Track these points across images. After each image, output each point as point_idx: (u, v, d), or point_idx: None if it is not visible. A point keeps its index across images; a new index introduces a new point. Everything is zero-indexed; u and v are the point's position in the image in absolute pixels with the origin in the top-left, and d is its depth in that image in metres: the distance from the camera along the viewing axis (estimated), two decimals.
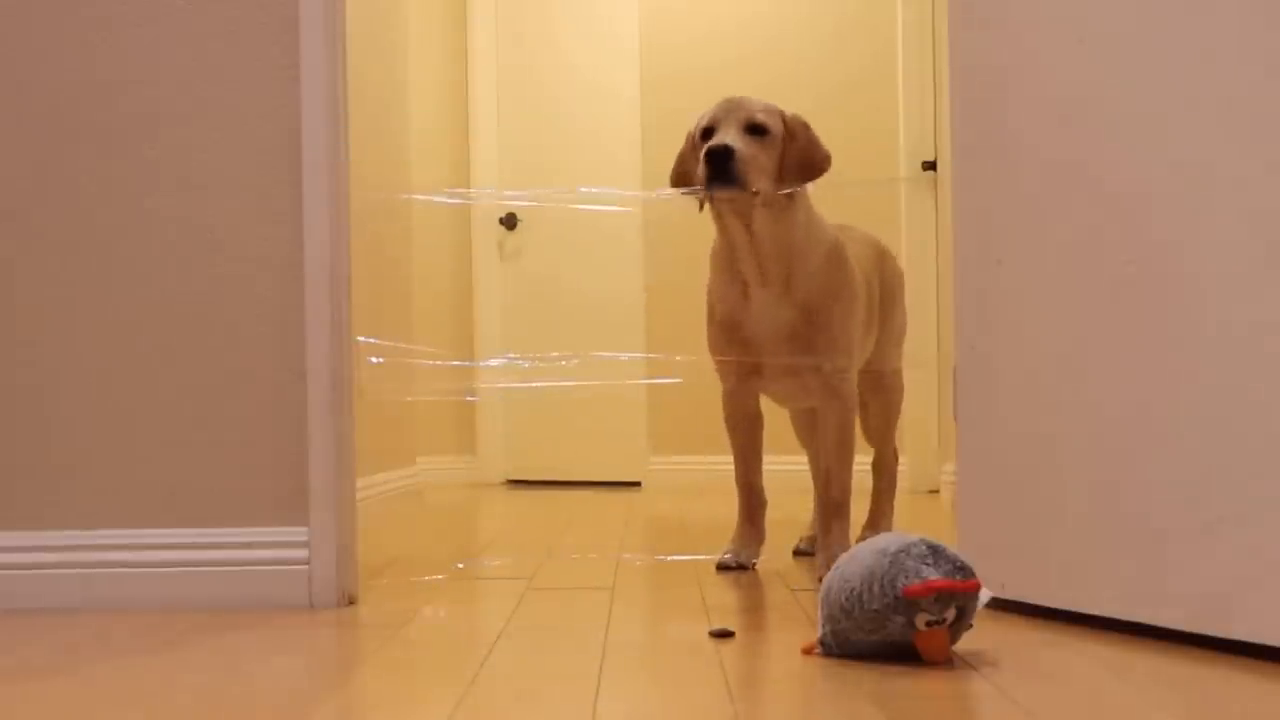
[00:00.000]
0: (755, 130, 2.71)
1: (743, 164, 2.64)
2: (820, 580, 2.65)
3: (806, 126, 2.78)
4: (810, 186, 2.79)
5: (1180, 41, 1.87)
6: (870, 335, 2.98)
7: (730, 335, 2.81)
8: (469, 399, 5.71)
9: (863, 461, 3.21)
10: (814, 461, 3.06)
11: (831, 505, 2.78)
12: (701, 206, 2.78)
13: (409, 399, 4.96)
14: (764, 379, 2.83)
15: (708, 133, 2.74)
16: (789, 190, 2.72)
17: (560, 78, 5.73)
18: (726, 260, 2.80)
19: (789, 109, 2.82)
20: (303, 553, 2.34)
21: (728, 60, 5.39)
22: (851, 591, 1.79)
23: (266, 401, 2.38)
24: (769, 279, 2.74)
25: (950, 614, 1.77)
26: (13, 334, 2.40)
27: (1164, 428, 1.89)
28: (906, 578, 1.75)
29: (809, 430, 3.16)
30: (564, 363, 4.96)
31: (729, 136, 2.68)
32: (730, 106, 2.74)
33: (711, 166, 2.65)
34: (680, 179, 2.84)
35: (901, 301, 3.21)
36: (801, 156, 2.75)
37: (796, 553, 3.03)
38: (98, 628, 2.18)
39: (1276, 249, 1.74)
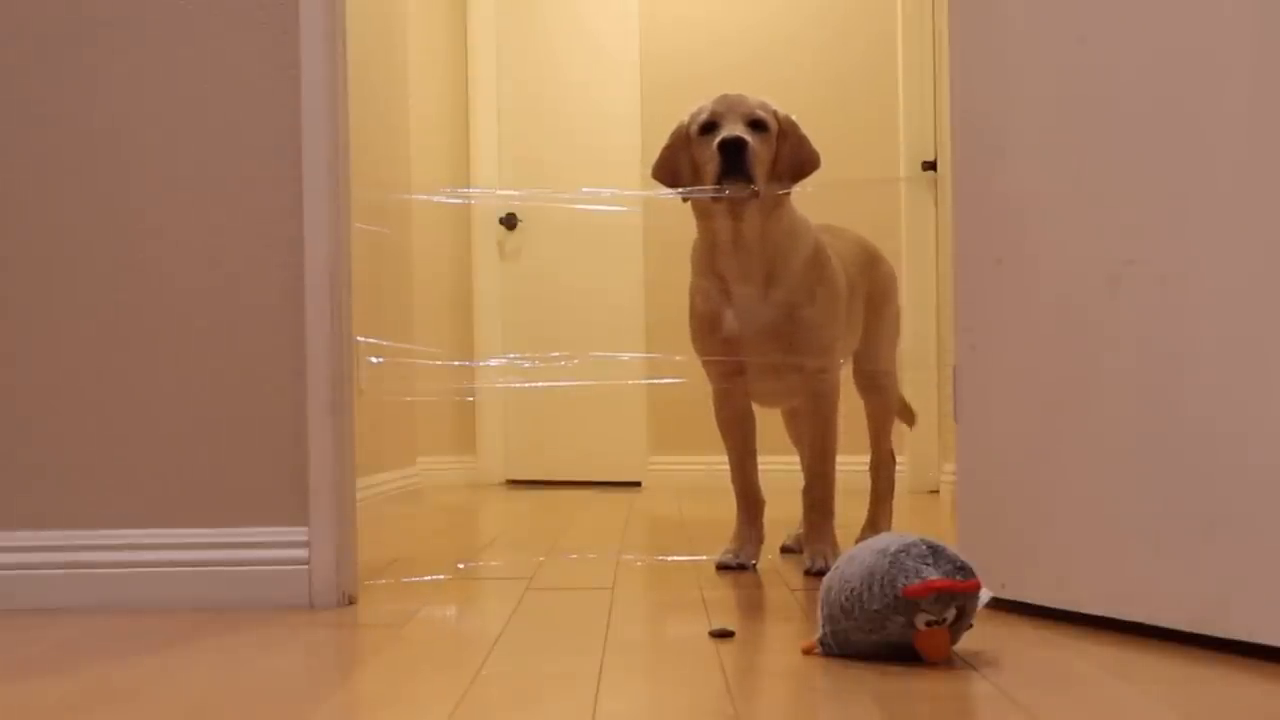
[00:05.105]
0: (756, 126, 2.71)
1: (754, 158, 2.64)
2: (805, 574, 2.67)
3: (796, 126, 2.78)
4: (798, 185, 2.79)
5: (1180, 41, 1.87)
6: (854, 335, 2.98)
7: (712, 335, 2.80)
8: (469, 399, 5.71)
9: (862, 462, 3.21)
10: (804, 460, 3.06)
11: (815, 503, 2.78)
12: (686, 199, 2.76)
13: (409, 399, 4.96)
14: (747, 378, 2.83)
15: (708, 127, 2.73)
16: (787, 190, 2.73)
17: (560, 75, 5.73)
18: (707, 260, 2.79)
19: (788, 109, 2.82)
20: (303, 553, 2.34)
21: (728, 58, 5.39)
22: (851, 591, 1.79)
23: (266, 401, 2.38)
24: (750, 278, 2.73)
25: (950, 614, 1.77)
26: (12, 334, 2.40)
27: (1163, 427, 1.89)
28: (906, 578, 1.75)
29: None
30: (564, 363, 4.96)
31: (738, 130, 2.67)
32: (731, 102, 2.73)
33: (726, 158, 2.63)
34: (668, 173, 2.82)
35: (894, 302, 3.20)
36: (794, 155, 2.75)
37: (784, 549, 3.04)
38: (98, 628, 2.17)
39: (1276, 249, 1.74)
